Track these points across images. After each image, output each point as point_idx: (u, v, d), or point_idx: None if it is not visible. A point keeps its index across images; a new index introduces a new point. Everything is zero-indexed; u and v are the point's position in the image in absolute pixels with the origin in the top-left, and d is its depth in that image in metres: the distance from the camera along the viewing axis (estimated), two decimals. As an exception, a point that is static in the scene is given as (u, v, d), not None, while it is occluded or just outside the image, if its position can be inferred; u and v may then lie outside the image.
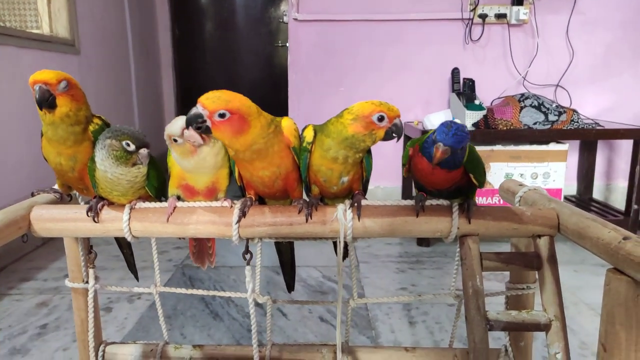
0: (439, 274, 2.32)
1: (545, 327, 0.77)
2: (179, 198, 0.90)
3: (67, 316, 1.88)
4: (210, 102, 0.76)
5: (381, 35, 3.13)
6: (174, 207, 0.86)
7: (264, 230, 0.85)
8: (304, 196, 0.91)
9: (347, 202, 0.86)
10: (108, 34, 3.58)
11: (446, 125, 0.77)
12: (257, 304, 1.97)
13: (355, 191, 0.88)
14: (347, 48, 3.16)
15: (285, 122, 0.85)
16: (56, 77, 0.85)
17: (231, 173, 0.89)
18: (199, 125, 0.77)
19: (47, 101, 0.84)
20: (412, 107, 3.18)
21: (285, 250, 1.06)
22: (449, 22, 3.08)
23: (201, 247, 1.00)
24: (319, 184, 0.87)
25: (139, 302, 2.00)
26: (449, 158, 0.77)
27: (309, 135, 0.84)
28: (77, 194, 1.01)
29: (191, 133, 0.79)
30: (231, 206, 0.86)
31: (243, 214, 0.85)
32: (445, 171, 0.79)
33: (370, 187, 3.17)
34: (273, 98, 4.57)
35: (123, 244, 1.07)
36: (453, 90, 2.99)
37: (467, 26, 3.07)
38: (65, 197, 0.97)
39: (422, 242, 2.67)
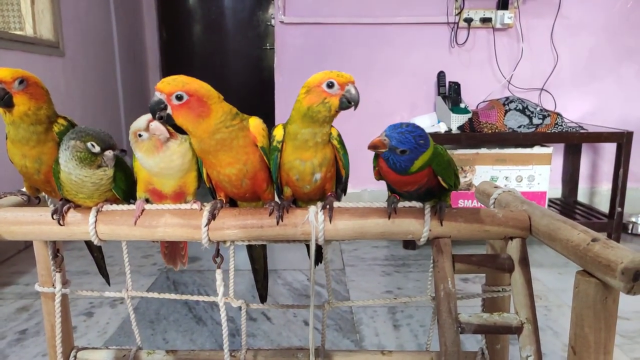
0: (425, 277, 2.32)
1: (517, 330, 0.77)
2: (147, 201, 0.88)
3: (46, 321, 1.86)
4: (166, 84, 0.76)
5: (368, 39, 3.13)
6: (142, 210, 0.85)
7: (234, 233, 0.84)
8: (276, 199, 0.90)
9: (319, 204, 0.85)
10: (93, 36, 3.55)
11: (402, 124, 0.77)
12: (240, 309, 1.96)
13: (328, 193, 0.88)
14: (333, 51, 3.16)
15: (253, 121, 0.84)
16: (11, 74, 0.83)
17: (200, 176, 0.88)
18: (161, 115, 0.76)
19: (1, 99, 0.82)
20: (399, 110, 3.19)
21: (257, 258, 1.05)
22: (434, 26, 3.10)
23: (173, 248, 0.99)
24: (292, 184, 0.86)
25: (122, 307, 1.98)
26: (390, 156, 0.77)
27: (278, 133, 0.83)
28: (46, 196, 0.99)
29: (156, 125, 0.78)
30: (201, 208, 0.85)
31: (212, 216, 0.84)
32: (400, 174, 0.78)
33: (357, 190, 3.17)
34: (261, 101, 4.56)
35: (93, 248, 1.05)
36: (439, 94, 3.00)
37: (452, 30, 3.08)
38: (33, 200, 0.95)
39: (409, 245, 2.67)
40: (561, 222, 0.76)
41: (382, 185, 3.17)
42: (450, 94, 2.93)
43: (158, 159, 0.82)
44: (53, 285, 0.98)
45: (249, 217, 0.84)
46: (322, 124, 0.81)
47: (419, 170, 0.78)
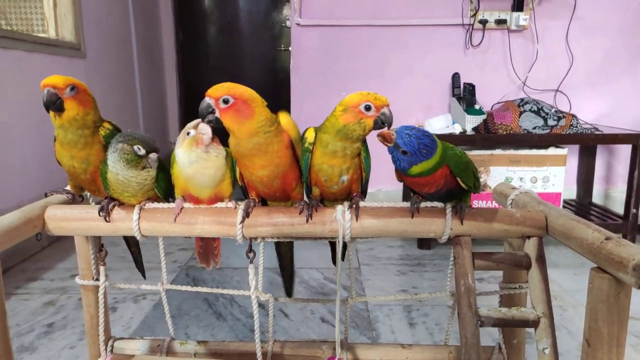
0: (440, 277, 2.35)
1: (533, 324, 0.81)
2: (185, 201, 0.94)
3: (73, 315, 1.93)
4: (214, 90, 0.84)
5: (383, 41, 3.17)
6: (181, 208, 0.90)
7: (267, 230, 0.89)
8: (305, 199, 0.95)
9: (346, 203, 0.90)
10: (113, 38, 3.63)
11: (415, 128, 0.82)
12: (259, 304, 2.01)
13: (354, 193, 0.92)
14: (349, 53, 3.20)
15: (283, 117, 0.90)
16: (64, 81, 0.91)
17: (234, 182, 0.94)
18: (210, 119, 0.83)
19: (54, 104, 0.89)
20: (413, 112, 3.22)
21: (285, 254, 1.10)
22: (449, 27, 3.13)
23: (207, 248, 1.03)
24: (320, 184, 0.91)
25: (144, 302, 2.04)
26: (394, 152, 0.81)
27: (310, 136, 0.89)
28: (89, 194, 1.05)
29: (204, 126, 0.85)
30: (235, 207, 0.90)
31: (246, 214, 0.89)
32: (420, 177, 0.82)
33: (372, 190, 3.21)
34: (276, 102, 4.61)
35: (131, 243, 1.11)
36: (453, 95, 3.03)
37: (467, 32, 3.11)
38: (77, 198, 1.01)
39: (423, 244, 2.71)
40: (576, 222, 0.80)
41: (396, 185, 3.20)
42: (464, 95, 2.96)
43: (194, 155, 0.87)
44: (93, 278, 1.03)
45: (280, 215, 0.89)
46: (354, 141, 0.86)
47: (419, 175, 0.82)
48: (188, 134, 0.88)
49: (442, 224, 0.87)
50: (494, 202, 2.89)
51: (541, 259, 0.84)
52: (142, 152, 0.87)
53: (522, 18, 3.03)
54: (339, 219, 0.86)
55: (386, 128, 0.85)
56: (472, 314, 0.79)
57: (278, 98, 4.67)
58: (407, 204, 0.89)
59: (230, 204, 0.91)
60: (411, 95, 3.20)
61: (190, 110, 4.86)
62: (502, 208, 0.94)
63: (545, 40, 3.13)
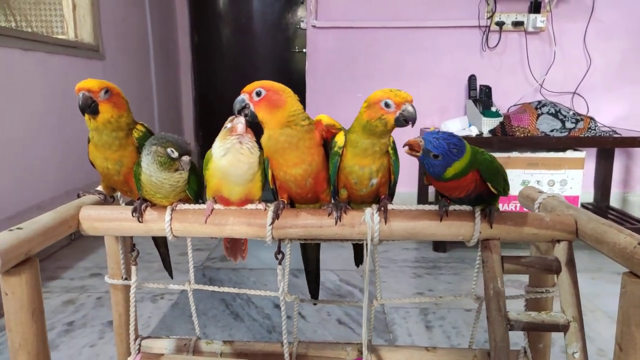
0: (456, 280, 2.35)
1: (563, 328, 0.81)
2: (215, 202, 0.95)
3: (93, 314, 1.95)
4: (248, 86, 0.89)
5: (399, 42, 3.18)
6: (212, 209, 0.92)
7: (295, 232, 0.89)
8: (332, 201, 0.95)
9: (374, 206, 0.90)
10: (130, 39, 3.67)
11: (440, 131, 0.82)
12: (276, 306, 2.01)
13: (381, 196, 0.93)
14: (365, 55, 3.21)
15: (323, 117, 0.93)
16: (98, 85, 0.92)
17: (263, 187, 0.95)
18: (246, 112, 0.88)
19: (89, 107, 0.91)
20: (429, 114, 3.22)
21: (311, 257, 1.11)
22: (466, 29, 3.12)
23: (235, 243, 1.05)
24: (349, 187, 0.91)
25: (162, 302, 2.06)
26: (425, 159, 0.81)
27: (340, 140, 0.90)
28: (119, 195, 1.07)
29: (240, 118, 0.88)
30: (265, 209, 0.91)
31: (276, 216, 0.90)
32: (451, 181, 0.82)
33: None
34: (290, 103, 4.62)
35: (160, 244, 1.13)
36: (469, 97, 3.02)
37: (484, 34, 3.10)
38: (108, 199, 1.02)
39: (439, 247, 2.70)
40: (607, 227, 0.79)
41: (411, 188, 3.19)
42: (481, 97, 2.95)
43: (229, 143, 0.88)
44: (122, 277, 1.05)
45: (309, 217, 0.89)
46: (380, 136, 0.87)
47: (454, 178, 0.82)
48: (225, 127, 0.90)
49: (471, 227, 0.87)
50: (509, 204, 2.86)
51: (571, 263, 0.84)
52: (175, 154, 0.88)
53: (539, 20, 3.01)
54: (368, 221, 0.87)
55: (410, 125, 0.86)
56: (502, 317, 0.79)
57: (292, 99, 4.67)
58: (435, 207, 0.90)
59: (260, 206, 0.92)
60: (427, 97, 3.19)
61: (205, 111, 4.88)
62: (531, 212, 0.93)
63: (563, 42, 3.11)
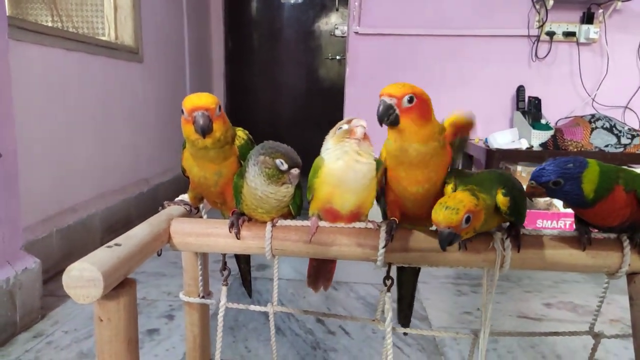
0: (503, 299, 2.22)
1: None
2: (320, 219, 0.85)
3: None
4: (396, 89, 0.76)
5: (443, 51, 3.08)
6: (317, 227, 0.82)
7: (411, 257, 0.79)
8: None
9: (503, 231, 0.81)
10: (168, 44, 3.65)
11: (544, 163, 0.74)
12: (318, 320, 1.92)
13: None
14: (407, 62, 3.12)
15: (455, 117, 0.84)
16: (215, 102, 0.82)
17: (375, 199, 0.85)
18: (392, 120, 0.76)
19: (209, 128, 0.80)
20: (473, 125, 3.10)
21: (407, 282, 1.01)
22: (514, 38, 3.01)
23: (321, 269, 0.94)
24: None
25: (200, 312, 1.99)
26: (556, 194, 0.73)
27: None
28: (202, 207, 0.97)
29: (360, 121, 0.78)
30: (377, 228, 0.81)
31: (390, 237, 0.80)
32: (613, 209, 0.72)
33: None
34: (323, 111, 4.56)
35: (241, 259, 1.03)
36: (518, 109, 2.90)
37: (533, 44, 2.99)
38: (193, 210, 0.93)
39: (483, 264, 2.58)
40: None
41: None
42: (530, 109, 2.83)
43: (347, 146, 0.79)
44: (199, 295, 0.95)
45: (427, 240, 0.79)
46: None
47: (599, 197, 0.71)
48: (338, 128, 0.80)
49: (619, 258, 0.76)
50: (558, 221, 2.71)
51: None
52: (285, 167, 0.78)
53: (592, 31, 2.89)
54: (498, 248, 0.77)
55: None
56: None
57: (325, 107, 4.62)
58: (572, 233, 0.79)
59: (371, 225, 0.82)
60: (471, 107, 3.04)
61: (237, 118, 4.85)
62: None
63: (615, 54, 2.97)
